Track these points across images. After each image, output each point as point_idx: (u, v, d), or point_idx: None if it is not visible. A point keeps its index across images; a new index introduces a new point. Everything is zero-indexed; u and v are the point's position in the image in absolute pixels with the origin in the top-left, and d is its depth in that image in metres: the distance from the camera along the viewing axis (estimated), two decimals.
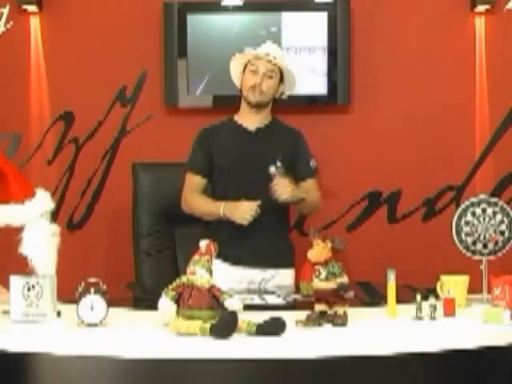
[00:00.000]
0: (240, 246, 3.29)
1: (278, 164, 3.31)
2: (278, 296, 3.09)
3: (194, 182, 3.37)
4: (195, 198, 3.36)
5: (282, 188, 3.17)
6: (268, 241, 3.31)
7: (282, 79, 3.34)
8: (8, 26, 4.16)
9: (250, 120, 3.36)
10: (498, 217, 2.88)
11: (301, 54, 4.06)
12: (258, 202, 3.21)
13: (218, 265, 3.19)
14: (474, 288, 2.81)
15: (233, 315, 2.27)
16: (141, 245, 3.64)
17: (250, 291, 3.20)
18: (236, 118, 3.41)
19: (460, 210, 2.90)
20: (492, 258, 2.87)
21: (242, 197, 3.26)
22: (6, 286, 2.55)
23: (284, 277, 3.34)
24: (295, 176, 3.40)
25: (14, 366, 2.28)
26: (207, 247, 2.44)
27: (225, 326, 2.25)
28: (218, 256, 3.11)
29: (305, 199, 3.25)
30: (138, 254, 3.64)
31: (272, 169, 3.28)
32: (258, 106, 3.32)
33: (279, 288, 3.25)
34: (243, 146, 3.34)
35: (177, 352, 2.23)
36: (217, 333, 2.23)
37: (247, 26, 4.09)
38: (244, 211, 3.20)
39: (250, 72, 3.29)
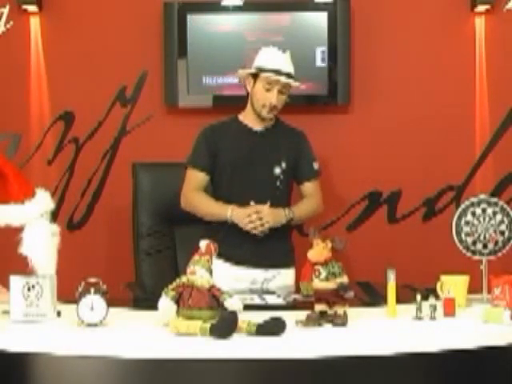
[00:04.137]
0: (241, 246, 3.28)
1: (283, 165, 3.32)
2: (278, 296, 3.09)
3: (196, 179, 3.34)
4: (198, 197, 3.34)
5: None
6: (269, 241, 3.30)
7: None
8: (8, 25, 4.17)
9: (255, 121, 3.36)
10: (498, 217, 2.88)
11: (301, 53, 4.06)
12: (267, 206, 3.21)
13: (220, 265, 3.20)
14: (474, 288, 2.81)
15: (233, 315, 2.27)
16: (141, 245, 3.64)
17: (252, 291, 3.20)
18: (241, 117, 3.40)
19: (460, 209, 2.90)
20: (492, 257, 2.88)
21: (244, 197, 3.26)
22: (6, 285, 2.55)
23: (285, 277, 3.34)
24: (297, 177, 3.40)
25: (14, 365, 2.28)
26: (207, 247, 2.44)
27: (225, 326, 2.25)
28: (220, 256, 3.12)
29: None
30: (138, 254, 3.64)
31: (277, 170, 3.29)
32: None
33: (280, 288, 3.25)
34: (248, 146, 3.33)
35: (177, 352, 2.22)
36: (217, 333, 2.23)
37: (247, 26, 4.09)
38: (253, 221, 3.20)
39: (263, 88, 3.24)
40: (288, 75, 3.24)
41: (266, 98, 3.25)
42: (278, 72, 3.23)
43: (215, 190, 3.37)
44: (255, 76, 3.28)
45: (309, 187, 3.41)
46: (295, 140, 3.41)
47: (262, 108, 3.27)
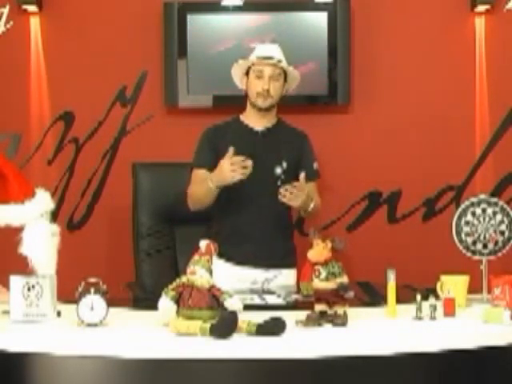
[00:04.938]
0: (243, 246, 3.28)
1: (284, 165, 3.32)
2: (279, 296, 3.09)
3: (199, 176, 3.33)
4: (191, 188, 3.32)
5: (296, 195, 3.12)
6: (271, 241, 3.31)
7: (285, 78, 3.34)
8: (8, 25, 4.17)
9: (256, 121, 3.36)
10: (498, 217, 2.88)
11: (301, 53, 4.06)
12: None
13: (221, 265, 3.20)
14: (474, 288, 2.81)
15: (233, 315, 2.27)
16: (141, 245, 3.64)
17: (252, 291, 3.20)
18: (242, 118, 3.40)
19: (460, 209, 2.90)
20: (492, 257, 2.88)
21: (246, 197, 3.27)
22: (6, 285, 2.55)
23: (287, 277, 3.34)
24: (297, 178, 3.40)
25: (14, 365, 2.28)
26: (207, 247, 2.44)
27: (225, 326, 2.25)
28: (221, 256, 3.12)
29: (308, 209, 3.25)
30: (138, 254, 3.64)
31: (278, 170, 3.29)
32: (266, 109, 3.32)
33: (282, 288, 3.25)
34: (249, 146, 3.33)
35: (177, 352, 2.22)
36: (217, 333, 2.23)
37: (247, 26, 4.09)
38: (228, 169, 3.10)
39: (255, 77, 3.27)
40: (277, 61, 3.25)
41: (258, 85, 3.26)
42: (264, 57, 3.25)
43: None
44: (247, 73, 3.30)
45: (309, 188, 3.41)
46: (297, 140, 3.42)
47: (256, 97, 3.28)
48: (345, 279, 2.43)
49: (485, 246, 2.87)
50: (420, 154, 4.19)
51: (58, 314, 2.55)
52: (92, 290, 2.42)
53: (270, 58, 3.26)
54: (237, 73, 3.35)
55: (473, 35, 4.18)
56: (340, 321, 2.41)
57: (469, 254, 2.88)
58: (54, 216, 2.79)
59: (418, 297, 2.50)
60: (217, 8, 4.13)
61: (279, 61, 3.27)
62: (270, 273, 3.33)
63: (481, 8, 4.12)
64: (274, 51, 3.30)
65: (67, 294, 2.58)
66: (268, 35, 4.02)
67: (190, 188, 3.34)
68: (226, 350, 2.21)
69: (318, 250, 2.43)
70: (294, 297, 3.00)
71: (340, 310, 2.42)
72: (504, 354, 2.35)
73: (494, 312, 2.47)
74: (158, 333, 2.34)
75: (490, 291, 2.66)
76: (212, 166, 3.33)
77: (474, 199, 2.91)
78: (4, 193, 2.66)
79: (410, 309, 2.54)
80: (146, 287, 3.56)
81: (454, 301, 2.56)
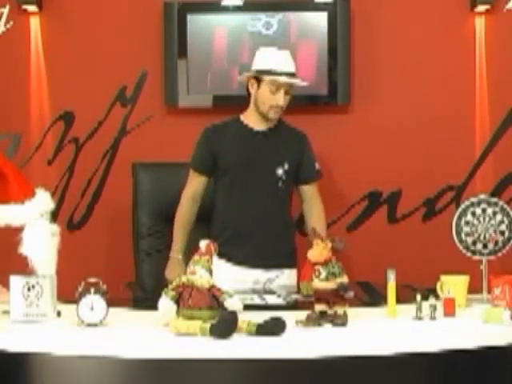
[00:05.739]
0: (244, 247, 3.29)
1: (286, 166, 3.32)
2: (279, 296, 3.09)
3: (196, 183, 3.36)
4: (178, 215, 3.38)
5: None
6: (272, 241, 3.31)
7: None
8: (8, 25, 4.17)
9: (257, 122, 3.35)
10: (498, 217, 2.88)
11: (301, 53, 4.06)
12: None
13: (222, 265, 3.20)
14: (474, 288, 2.81)
15: (233, 315, 2.27)
16: (141, 245, 3.64)
17: (254, 291, 3.20)
18: (242, 118, 3.40)
19: (460, 209, 2.90)
20: (492, 257, 2.88)
21: (246, 197, 3.27)
22: (6, 285, 2.55)
23: (288, 277, 3.34)
24: (300, 178, 3.40)
25: (14, 366, 2.28)
26: (207, 247, 2.44)
27: (225, 326, 2.25)
28: (222, 256, 3.13)
29: None
30: (138, 254, 3.64)
31: (279, 171, 3.29)
32: None
33: (283, 288, 3.25)
34: (249, 147, 3.33)
35: (177, 352, 2.22)
36: (217, 333, 2.23)
37: (247, 26, 4.09)
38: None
39: (269, 91, 3.24)
40: (292, 75, 3.25)
41: (272, 99, 3.25)
42: (283, 74, 3.22)
43: (217, 192, 3.37)
44: (258, 78, 3.28)
45: (310, 189, 3.42)
46: (297, 141, 3.42)
47: (269, 109, 3.27)
48: (345, 279, 2.43)
49: (485, 246, 2.87)
50: (420, 154, 4.19)
51: (58, 314, 2.55)
52: (92, 290, 2.42)
53: (289, 74, 3.24)
54: (245, 76, 3.33)
55: (473, 35, 4.17)
56: (340, 321, 2.41)
57: (469, 254, 2.88)
58: (54, 216, 2.79)
59: (418, 297, 2.50)
60: (217, 8, 4.13)
61: (295, 76, 3.26)
62: (272, 273, 3.33)
63: (481, 8, 4.11)
64: (291, 65, 3.27)
65: (67, 294, 2.58)
66: (268, 35, 4.02)
67: (183, 204, 3.37)
68: (226, 349, 2.21)
69: (318, 250, 2.43)
70: (294, 297, 3.01)
71: (340, 310, 2.42)
72: (504, 354, 2.35)
73: (494, 312, 2.47)
74: (158, 333, 2.34)
75: (489, 291, 2.67)
76: (209, 171, 3.34)
77: (474, 199, 2.91)
78: (4, 193, 2.66)
79: (410, 309, 2.54)
80: (146, 287, 3.56)
81: (454, 301, 2.56)
